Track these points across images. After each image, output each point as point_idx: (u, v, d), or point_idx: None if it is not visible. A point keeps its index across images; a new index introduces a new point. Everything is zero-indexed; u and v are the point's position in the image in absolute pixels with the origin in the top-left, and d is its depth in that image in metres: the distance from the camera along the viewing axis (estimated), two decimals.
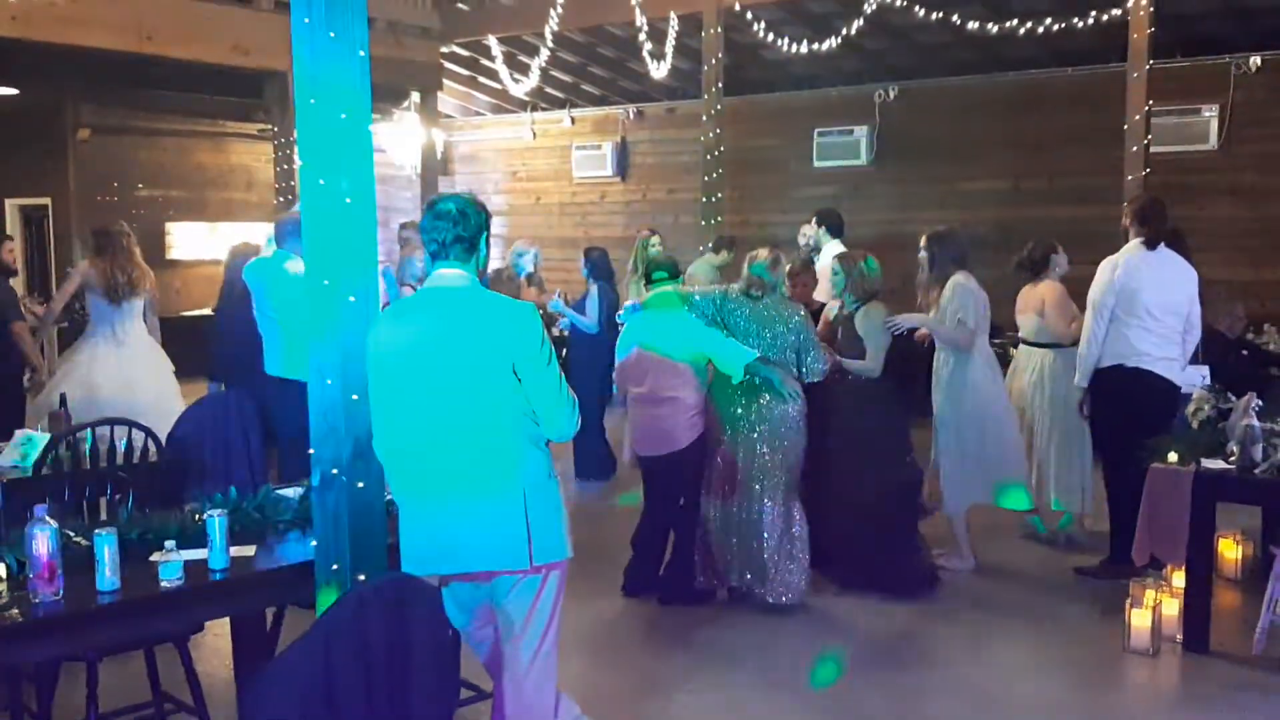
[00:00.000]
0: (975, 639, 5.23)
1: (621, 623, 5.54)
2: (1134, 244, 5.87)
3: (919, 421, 6.21)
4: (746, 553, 5.52)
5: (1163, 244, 5.87)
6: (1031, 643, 5.19)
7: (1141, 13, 8.40)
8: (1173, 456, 5.02)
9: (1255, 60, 10.07)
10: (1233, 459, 4.91)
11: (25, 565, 3.06)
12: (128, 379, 6.78)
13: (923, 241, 6.30)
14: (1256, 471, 4.80)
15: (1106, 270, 5.87)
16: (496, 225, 13.07)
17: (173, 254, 13.30)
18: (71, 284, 6.91)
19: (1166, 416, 5.66)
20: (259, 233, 12.98)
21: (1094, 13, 9.22)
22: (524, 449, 3.30)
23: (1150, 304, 5.75)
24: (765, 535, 5.48)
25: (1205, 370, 6.11)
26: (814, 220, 8.02)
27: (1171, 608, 5.05)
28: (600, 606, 5.63)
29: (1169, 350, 5.84)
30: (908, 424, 6.06)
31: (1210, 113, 10.17)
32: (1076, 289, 6.72)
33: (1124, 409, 5.80)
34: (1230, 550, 5.91)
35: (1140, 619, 4.95)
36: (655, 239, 9.64)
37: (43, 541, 3.02)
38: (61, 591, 3.06)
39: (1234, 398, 5.42)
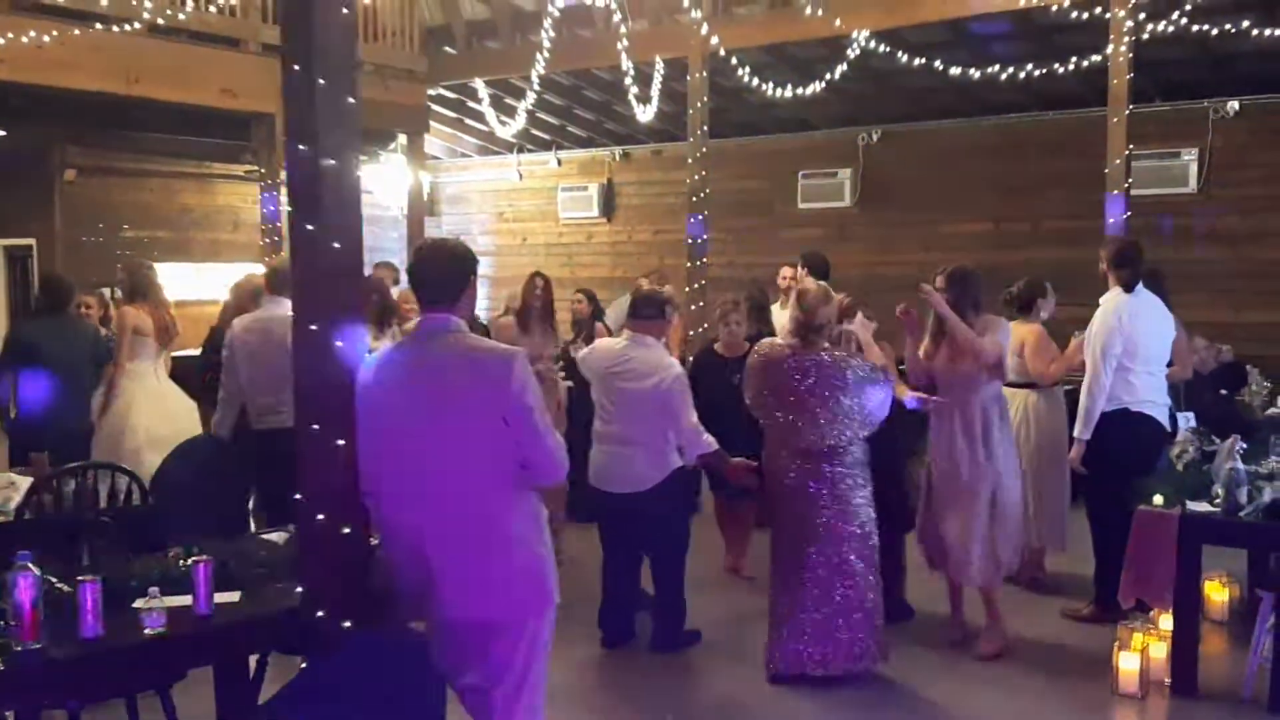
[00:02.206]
0: (963, 684, 5.21)
1: (608, 670, 5.50)
2: (1117, 290, 5.90)
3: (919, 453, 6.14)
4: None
5: (1140, 285, 5.92)
6: (1019, 688, 5.17)
7: (1121, 59, 8.50)
8: (1158, 499, 5.04)
9: (1233, 105, 10.20)
10: (1218, 501, 4.93)
11: (6, 612, 3.03)
12: (174, 413, 6.90)
13: (941, 281, 5.63)
14: (1241, 514, 4.82)
15: (1110, 318, 5.81)
16: (483, 266, 13.08)
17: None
18: (127, 336, 6.87)
19: (1157, 461, 5.67)
20: (244, 273, 12.97)
21: (1074, 58, 9.33)
22: (511, 494, 3.29)
23: (1150, 350, 5.80)
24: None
25: (1190, 415, 6.16)
26: (799, 264, 8.07)
27: (1159, 651, 5.04)
28: (586, 653, 5.59)
29: (1163, 396, 5.91)
30: (901, 452, 6.01)
31: (1190, 156, 10.29)
32: (1059, 330, 6.78)
33: (1123, 453, 5.74)
34: (1217, 593, 5.93)
35: (1128, 662, 4.95)
36: (643, 281, 9.66)
37: (24, 588, 2.98)
38: (43, 639, 3.02)
39: (1217, 439, 5.44)
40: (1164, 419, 5.88)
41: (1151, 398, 5.84)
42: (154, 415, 6.80)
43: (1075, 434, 5.90)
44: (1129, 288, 5.86)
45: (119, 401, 6.83)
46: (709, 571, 6.72)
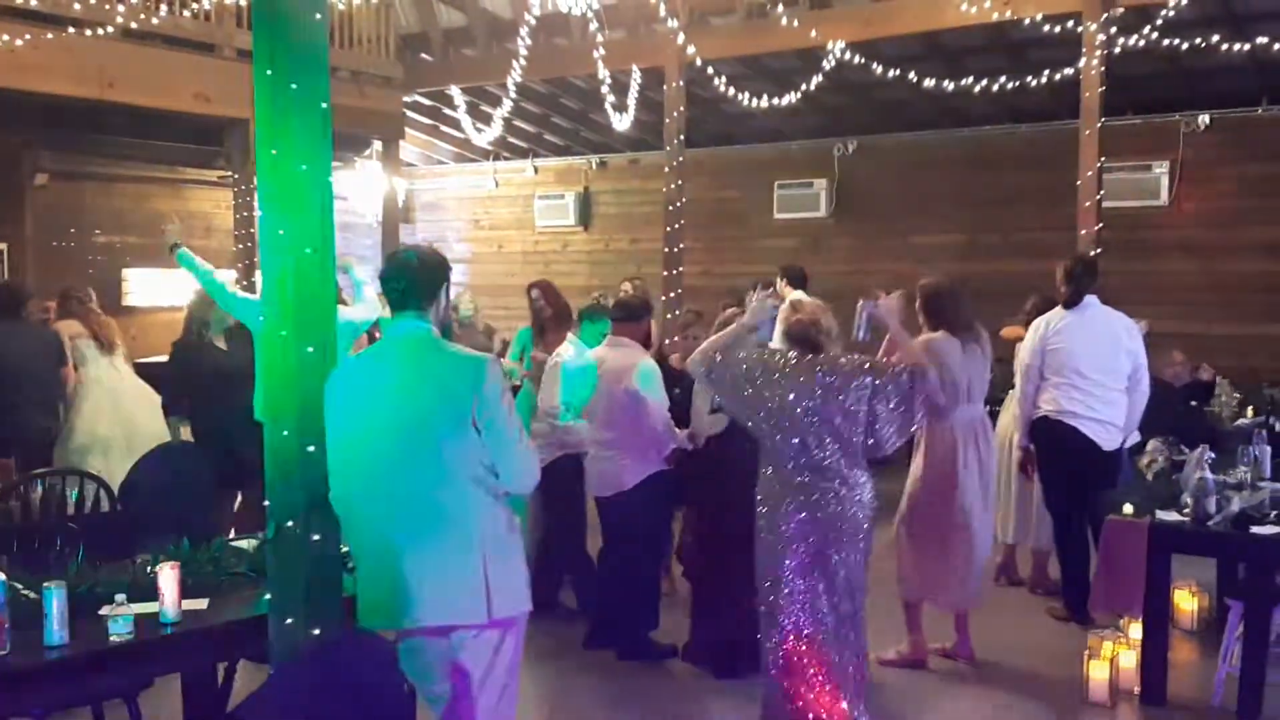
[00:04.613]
0: (933, 692, 5.23)
1: (581, 679, 5.47)
2: (1058, 305, 6.09)
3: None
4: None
5: (1094, 300, 6.00)
6: (989, 695, 5.19)
7: (1093, 72, 8.58)
8: (1128, 509, 5.08)
9: (1204, 119, 10.31)
10: (1187, 511, 4.97)
11: None
12: (128, 415, 6.99)
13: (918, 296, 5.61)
14: (1210, 523, 4.85)
15: (1031, 331, 6.10)
16: (458, 273, 13.06)
17: (129, 300, 13.15)
18: (69, 346, 7.09)
19: (1092, 475, 5.76)
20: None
21: (1047, 72, 9.41)
22: (483, 501, 3.28)
23: (1079, 364, 5.90)
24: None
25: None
26: (779, 276, 8.15)
27: (1129, 659, 5.07)
28: (559, 662, 5.57)
29: (1103, 411, 5.94)
30: None
31: (1161, 169, 10.39)
32: None
33: (1051, 462, 6.04)
34: (1186, 602, 5.97)
35: (1098, 671, 4.98)
36: (626, 285, 9.65)
37: None
38: (8, 646, 3.00)
39: (1186, 449, 5.49)
40: (1093, 432, 5.92)
41: (1075, 410, 5.93)
42: (99, 419, 6.87)
43: (1016, 441, 6.26)
44: (1068, 304, 5.98)
45: (68, 409, 6.99)
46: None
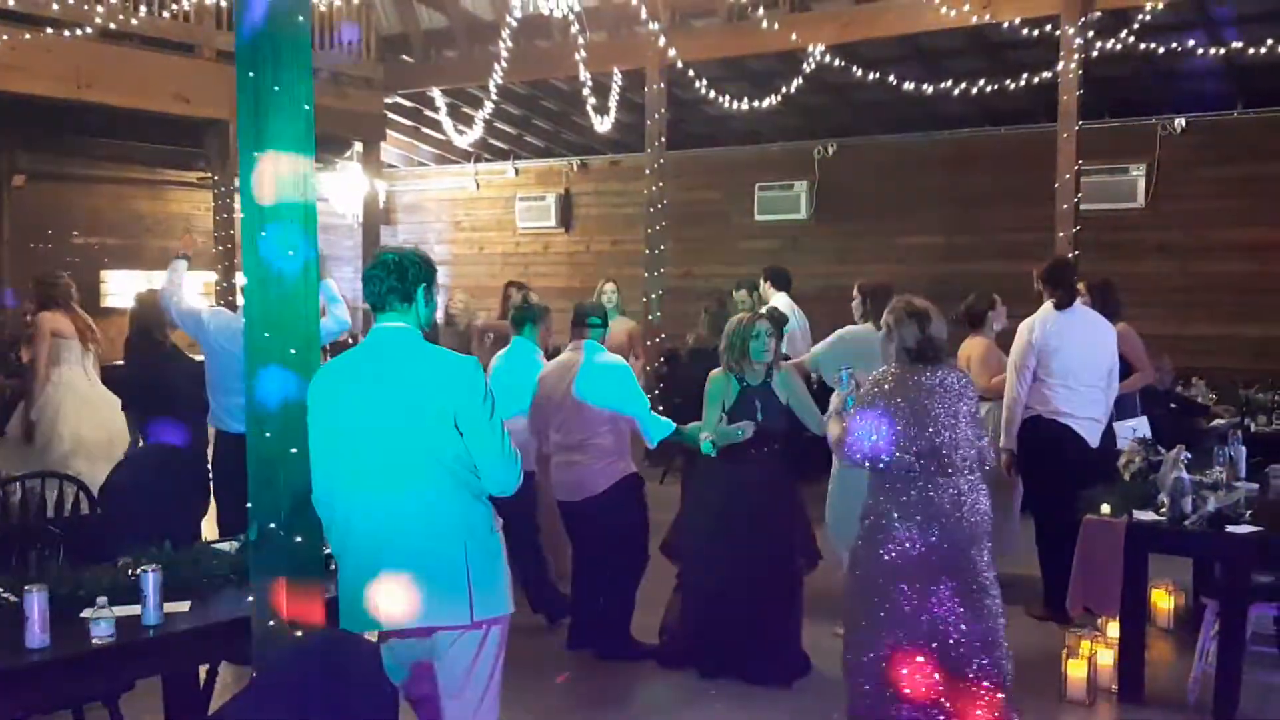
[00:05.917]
0: None
1: (567, 679, 5.48)
2: (1047, 306, 6.11)
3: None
4: None
5: (1078, 302, 6.06)
6: None
7: (1070, 75, 8.64)
8: (1105, 508, 5.12)
9: (1180, 122, 10.39)
10: (1163, 510, 5.01)
11: None
12: (106, 419, 6.98)
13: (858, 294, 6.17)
14: (1186, 523, 4.89)
15: (1024, 333, 6.09)
16: (439, 275, 13.01)
17: (108, 302, 13.08)
18: (46, 342, 6.97)
19: (1084, 474, 5.78)
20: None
21: (1025, 75, 9.47)
22: (465, 502, 3.29)
23: (1071, 365, 5.95)
24: None
25: (1143, 420, 6.30)
26: (763, 277, 8.17)
27: (1107, 658, 5.11)
28: (542, 662, 5.58)
29: (1091, 410, 6.03)
30: (796, 488, 5.49)
31: (1138, 172, 10.46)
32: (1006, 342, 6.88)
33: (1043, 461, 6.04)
34: (1163, 600, 6.03)
35: (1076, 669, 5.01)
36: (610, 286, 9.66)
37: None
38: None
39: (1164, 450, 5.54)
40: (1085, 431, 6.01)
41: (1070, 410, 5.99)
42: (83, 422, 6.83)
43: (1001, 443, 6.15)
44: (1060, 305, 6.02)
45: (47, 410, 6.81)
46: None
